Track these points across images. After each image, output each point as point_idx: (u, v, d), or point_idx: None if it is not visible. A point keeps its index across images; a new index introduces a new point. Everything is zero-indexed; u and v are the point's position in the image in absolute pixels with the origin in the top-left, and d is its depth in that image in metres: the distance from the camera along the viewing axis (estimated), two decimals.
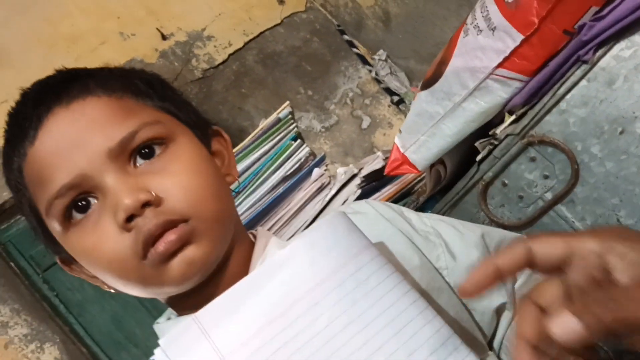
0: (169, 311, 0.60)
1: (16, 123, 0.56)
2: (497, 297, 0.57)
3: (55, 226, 0.53)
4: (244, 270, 0.56)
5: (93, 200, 0.51)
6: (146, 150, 0.53)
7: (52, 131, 0.52)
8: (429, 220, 0.62)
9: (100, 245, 0.51)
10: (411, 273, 0.55)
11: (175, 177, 0.52)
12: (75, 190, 0.51)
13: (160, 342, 0.43)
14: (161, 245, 0.49)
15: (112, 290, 0.58)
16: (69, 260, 0.58)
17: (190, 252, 0.50)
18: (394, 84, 2.02)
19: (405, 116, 1.97)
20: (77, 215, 0.52)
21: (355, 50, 2.11)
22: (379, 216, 0.61)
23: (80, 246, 0.52)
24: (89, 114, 0.53)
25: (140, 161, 0.53)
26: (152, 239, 0.49)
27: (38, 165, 0.52)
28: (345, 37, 2.12)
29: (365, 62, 2.09)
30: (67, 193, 0.50)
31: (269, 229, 1.46)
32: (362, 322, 0.45)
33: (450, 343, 0.46)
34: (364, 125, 2.06)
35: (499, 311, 0.58)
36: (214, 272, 0.55)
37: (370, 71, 2.08)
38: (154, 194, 0.50)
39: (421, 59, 1.96)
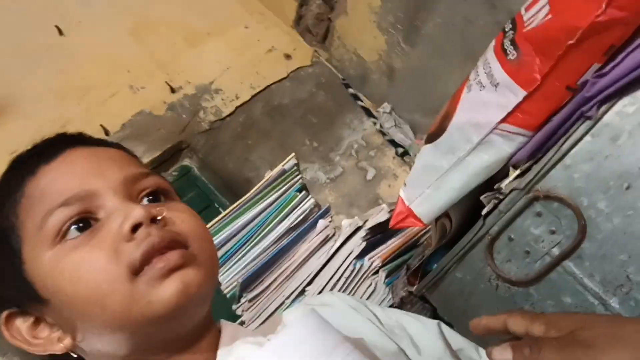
0: None
1: (34, 150, 0.57)
2: None
3: (40, 244, 0.50)
4: (210, 358, 0.55)
5: (93, 223, 0.51)
6: (151, 197, 0.56)
7: (70, 158, 0.54)
8: (394, 314, 0.66)
9: (92, 256, 0.49)
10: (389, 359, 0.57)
11: (180, 213, 0.54)
12: (82, 204, 0.51)
13: None
14: (161, 261, 0.49)
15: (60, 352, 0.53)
16: (16, 314, 0.53)
17: (189, 274, 0.50)
18: (398, 136, 2.04)
19: (410, 168, 1.98)
20: (73, 233, 0.51)
21: (360, 103, 2.14)
22: (346, 306, 0.64)
23: (67, 261, 0.49)
24: (109, 155, 0.57)
25: (145, 202, 0.55)
26: (153, 253, 0.49)
27: (47, 180, 0.52)
28: (350, 90, 2.16)
29: (370, 114, 2.12)
30: (74, 204, 0.51)
31: (274, 281, 1.44)
32: None
33: None
34: (369, 176, 2.07)
35: None
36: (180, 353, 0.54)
37: (375, 123, 2.10)
38: (164, 212, 0.52)
39: (425, 112, 1.99)
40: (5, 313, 0.53)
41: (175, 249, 0.50)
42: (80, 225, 0.51)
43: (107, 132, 2.04)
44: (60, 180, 0.52)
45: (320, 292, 1.33)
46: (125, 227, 0.49)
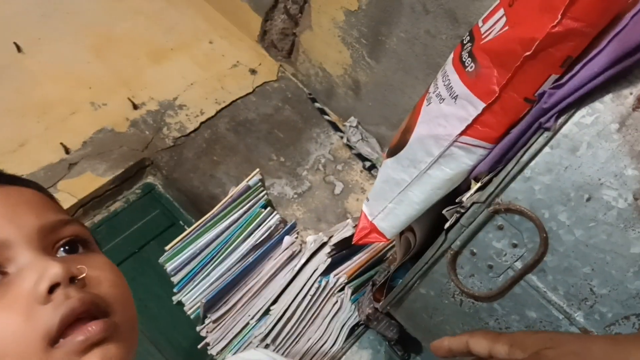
0: None
1: None
2: None
3: None
4: None
5: (0, 278, 0.45)
6: (68, 247, 0.50)
7: None
8: None
9: (3, 315, 0.42)
10: None
11: (102, 271, 0.49)
12: None
13: None
14: (81, 333, 0.43)
15: None
16: None
17: (110, 351, 0.45)
18: (365, 150, 2.03)
19: None
20: None
21: (326, 117, 2.13)
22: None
23: None
24: (25, 197, 0.50)
25: (61, 253, 0.50)
26: (72, 318, 0.43)
27: None
28: (317, 104, 2.15)
29: (336, 128, 2.11)
30: None
31: (239, 300, 1.41)
32: None
33: None
34: (337, 190, 2.05)
35: None
36: None
37: (341, 137, 2.09)
38: (85, 271, 0.46)
39: (392, 125, 1.98)
40: None
41: (97, 317, 0.45)
42: None
43: (67, 150, 1.99)
44: None
45: (285, 311, 1.29)
46: (41, 287, 0.43)
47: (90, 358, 0.43)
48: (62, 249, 0.50)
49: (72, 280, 0.45)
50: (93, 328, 0.43)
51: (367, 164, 2.02)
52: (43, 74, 2.11)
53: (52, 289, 0.43)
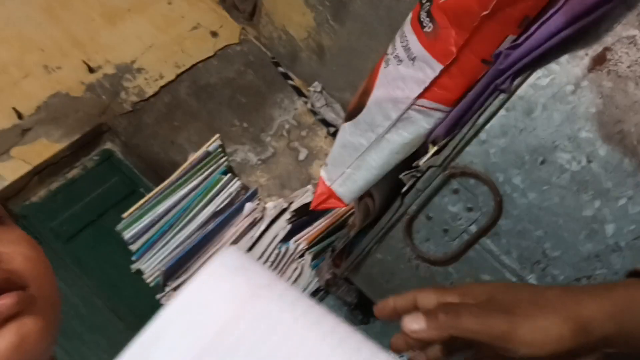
0: None
1: None
2: None
3: None
4: None
5: None
6: None
7: None
8: None
9: None
10: None
11: (16, 246, 0.45)
12: None
13: None
14: None
15: None
16: None
17: (27, 325, 0.41)
18: (329, 116, 2.00)
19: None
20: None
21: (290, 82, 2.09)
22: None
23: None
24: None
25: None
26: None
27: None
28: (280, 69, 2.10)
29: (300, 94, 2.07)
30: None
31: (199, 268, 1.39)
32: None
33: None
34: (301, 157, 2.03)
35: None
36: None
37: (305, 103, 2.06)
38: None
39: (356, 90, 1.96)
40: None
41: (10, 290, 0.41)
42: None
43: (20, 116, 1.91)
44: None
45: None
46: None
47: (4, 333, 0.40)
48: None
49: None
50: (5, 301, 0.40)
51: (332, 129, 2.00)
52: None
53: None
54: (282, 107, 2.08)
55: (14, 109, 1.91)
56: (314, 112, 2.04)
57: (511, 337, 0.42)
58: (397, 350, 0.50)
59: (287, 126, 2.05)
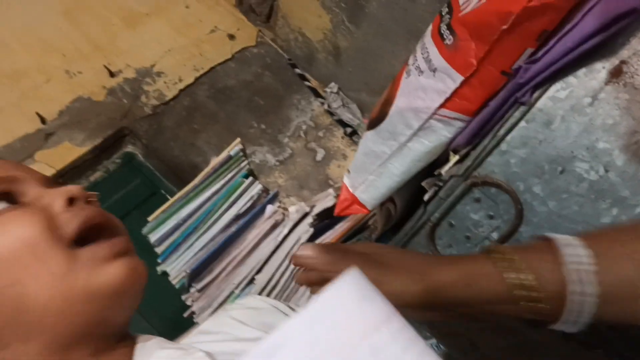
0: None
1: None
2: None
3: None
4: None
5: (19, 200, 0.49)
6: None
7: None
8: None
9: (27, 221, 0.45)
10: None
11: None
12: (6, 185, 0.49)
13: None
14: (107, 245, 0.48)
15: None
16: None
17: (135, 261, 0.49)
18: (346, 116, 2.03)
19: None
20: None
21: (307, 83, 2.11)
22: (273, 309, 0.64)
23: None
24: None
25: None
26: (89, 224, 0.48)
27: None
28: (297, 70, 2.13)
29: (317, 95, 2.10)
30: None
31: (223, 269, 1.43)
32: None
33: None
34: (319, 157, 2.06)
35: None
36: None
37: (322, 104, 2.09)
38: (96, 196, 0.52)
39: (372, 91, 1.98)
40: None
41: (117, 235, 0.49)
42: (6, 200, 0.48)
43: (43, 120, 1.95)
44: None
45: (269, 280, 1.32)
46: (60, 199, 0.48)
47: (117, 264, 0.48)
48: None
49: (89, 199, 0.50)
50: (117, 240, 0.49)
51: (349, 130, 2.02)
52: (14, 40, 2.06)
53: (70, 202, 0.48)
54: (299, 109, 2.11)
55: (37, 113, 1.95)
56: (330, 113, 2.07)
57: (377, 284, 0.48)
58: (298, 282, 0.61)
59: (304, 127, 2.08)
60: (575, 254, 0.50)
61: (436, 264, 0.56)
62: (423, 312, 0.55)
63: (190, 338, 0.58)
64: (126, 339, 0.55)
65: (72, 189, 0.49)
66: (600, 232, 0.54)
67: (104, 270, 0.47)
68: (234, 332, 0.57)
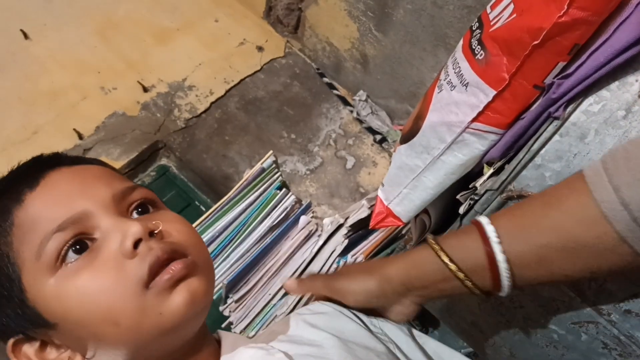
0: None
1: (14, 176, 0.57)
2: None
3: (40, 271, 0.51)
4: None
5: (89, 243, 0.52)
6: (140, 209, 0.58)
7: (54, 181, 0.54)
8: (377, 322, 0.70)
9: (99, 277, 0.50)
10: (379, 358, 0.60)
11: (173, 224, 0.56)
12: (77, 227, 0.52)
13: None
14: (167, 273, 0.51)
15: None
16: (21, 341, 0.54)
17: (194, 283, 0.52)
18: (375, 123, 2.05)
19: (389, 154, 1.99)
20: (72, 256, 0.51)
21: (335, 92, 2.14)
22: (337, 312, 0.68)
23: (72, 285, 0.50)
24: (92, 172, 0.58)
25: (135, 215, 0.57)
26: (158, 265, 0.51)
27: (37, 208, 0.52)
28: (325, 79, 2.16)
29: (346, 103, 2.12)
30: (68, 227, 0.51)
31: (259, 280, 1.45)
32: None
33: None
34: (349, 165, 2.08)
35: None
36: None
37: (351, 112, 2.11)
38: (160, 225, 0.53)
39: (401, 98, 1.99)
40: (11, 341, 0.54)
41: (177, 259, 0.52)
42: (78, 247, 0.51)
43: (81, 136, 2.02)
44: (49, 206, 0.52)
45: None
46: (126, 244, 0.50)
47: (178, 292, 0.51)
48: (135, 211, 0.57)
49: (151, 234, 0.53)
50: (175, 267, 0.51)
51: (378, 137, 2.04)
52: (51, 60, 2.13)
53: (136, 244, 0.51)
54: (329, 117, 2.14)
55: (75, 130, 2.02)
56: (359, 121, 2.09)
57: (343, 292, 0.69)
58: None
59: (333, 135, 2.11)
60: (489, 230, 0.60)
61: (384, 261, 0.71)
62: (393, 303, 0.69)
63: (265, 337, 0.62)
64: (207, 336, 0.61)
65: (137, 232, 0.51)
66: (507, 209, 0.67)
67: (167, 307, 0.51)
68: (308, 336, 0.62)
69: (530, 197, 0.68)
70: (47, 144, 1.98)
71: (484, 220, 0.62)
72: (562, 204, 0.58)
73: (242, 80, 2.16)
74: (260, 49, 2.22)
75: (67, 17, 2.18)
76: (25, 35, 2.15)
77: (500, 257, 0.59)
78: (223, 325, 1.46)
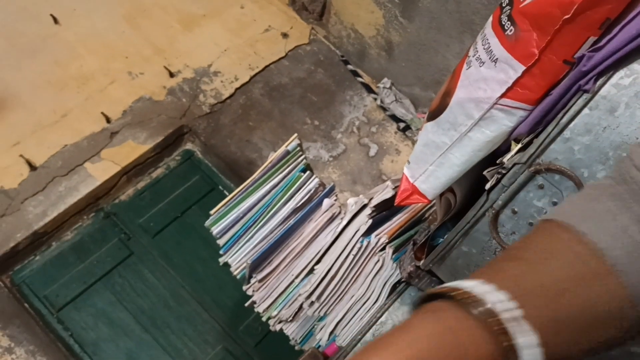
0: None
1: None
2: None
3: None
4: None
5: None
6: None
7: None
8: None
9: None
10: None
11: None
12: None
13: None
14: None
15: None
16: None
17: None
18: (399, 111, 2.05)
19: (413, 143, 2.00)
20: None
21: (359, 79, 2.14)
22: None
23: None
24: None
25: None
26: None
27: None
28: (349, 67, 2.16)
29: (370, 90, 2.13)
30: None
31: (282, 261, 1.47)
32: None
33: None
34: (372, 152, 2.09)
35: None
36: None
37: (375, 99, 2.11)
38: None
39: (425, 85, 1.99)
40: None
41: None
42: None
43: (108, 120, 2.06)
44: None
45: (328, 270, 1.35)
46: None
47: None
48: None
49: None
50: None
51: (402, 125, 2.04)
52: (80, 45, 2.17)
53: None
54: (352, 104, 2.15)
55: (103, 113, 2.06)
56: (383, 108, 2.09)
57: None
58: None
59: (357, 123, 2.11)
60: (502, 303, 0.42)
61: (373, 351, 0.44)
62: None
63: None
64: None
65: None
66: (499, 267, 0.48)
67: None
68: None
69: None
70: (76, 126, 2.02)
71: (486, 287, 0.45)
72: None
73: (266, 66, 2.18)
74: (285, 35, 2.23)
75: (96, 2, 2.22)
76: (55, 20, 2.19)
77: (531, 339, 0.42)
78: (246, 305, 1.48)
